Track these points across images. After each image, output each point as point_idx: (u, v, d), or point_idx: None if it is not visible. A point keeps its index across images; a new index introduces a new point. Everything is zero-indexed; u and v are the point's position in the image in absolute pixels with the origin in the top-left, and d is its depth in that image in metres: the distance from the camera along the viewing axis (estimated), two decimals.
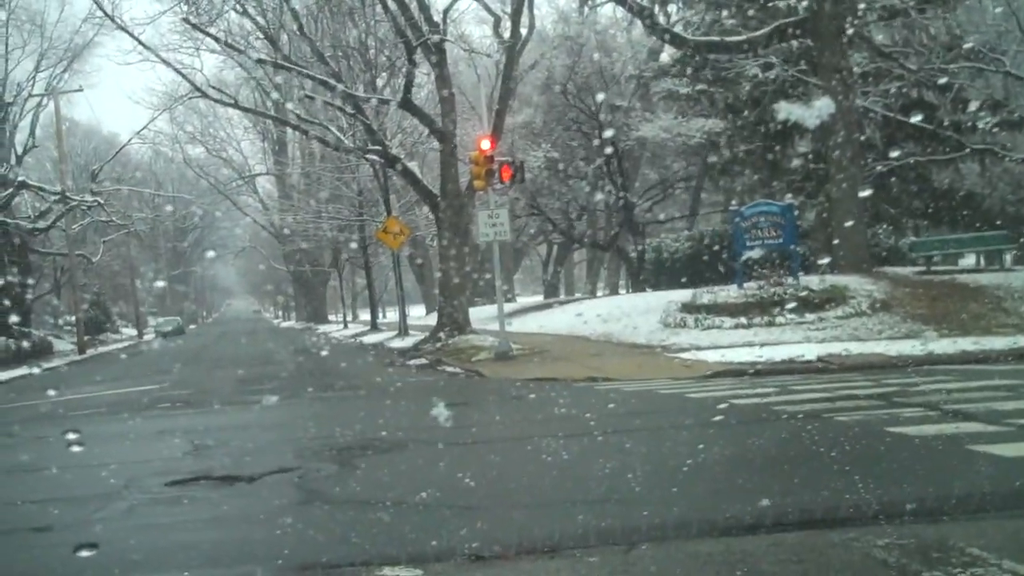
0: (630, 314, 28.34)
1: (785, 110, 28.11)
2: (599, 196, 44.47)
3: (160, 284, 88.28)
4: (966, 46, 31.36)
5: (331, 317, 79.61)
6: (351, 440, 11.85)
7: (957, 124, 32.59)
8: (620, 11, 42.32)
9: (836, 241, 27.56)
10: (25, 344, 43.74)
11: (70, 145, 56.86)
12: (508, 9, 32.70)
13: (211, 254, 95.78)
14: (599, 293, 58.29)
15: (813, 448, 9.35)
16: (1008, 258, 31.99)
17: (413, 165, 34.35)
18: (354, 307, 79.87)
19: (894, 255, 31.99)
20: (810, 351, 18.52)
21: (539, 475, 8.91)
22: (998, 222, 32.34)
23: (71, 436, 13.54)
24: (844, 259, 26.89)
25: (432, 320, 35.94)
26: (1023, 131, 32.29)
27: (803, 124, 32.00)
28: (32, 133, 51.30)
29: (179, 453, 11.89)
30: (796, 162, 34.26)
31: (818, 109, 26.90)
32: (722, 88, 35.57)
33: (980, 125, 31.65)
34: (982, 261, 32.38)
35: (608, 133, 39.72)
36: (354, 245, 51.97)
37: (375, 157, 35.28)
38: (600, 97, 39.93)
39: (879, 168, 31.31)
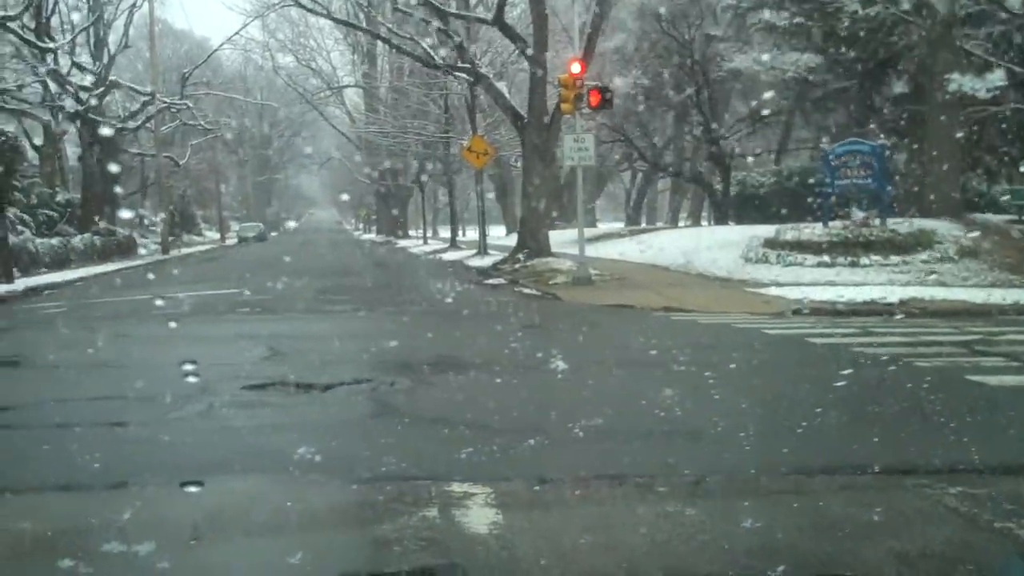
0: (711, 246, 28.12)
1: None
2: (687, 127, 43.96)
3: (245, 189, 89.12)
4: None
5: (412, 232, 79.92)
6: (424, 356, 11.95)
7: None
8: None
9: (927, 185, 27.03)
10: (111, 241, 44.58)
11: (162, 48, 57.29)
12: None
13: (303, 156, 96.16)
14: (681, 224, 57.83)
15: (890, 392, 9.27)
16: None
17: (502, 85, 34.11)
18: (435, 224, 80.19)
19: (987, 203, 31.28)
20: (893, 294, 18.24)
21: (608, 403, 8.91)
22: None
23: (150, 335, 13.79)
24: (935, 203, 26.39)
25: (512, 241, 35.94)
26: None
27: (900, 64, 31.35)
28: (126, 33, 51.45)
29: (256, 358, 12.07)
30: (891, 103, 33.54)
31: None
32: (821, 22, 34.79)
33: None
34: None
35: (700, 63, 39.14)
36: (439, 163, 52.02)
37: (464, 75, 35.13)
38: (695, 26, 39.30)
39: (976, 112, 30.53)
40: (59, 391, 10.27)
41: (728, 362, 11.10)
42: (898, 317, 15.90)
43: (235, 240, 77.44)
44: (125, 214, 51.64)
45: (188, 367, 9.84)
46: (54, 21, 47.35)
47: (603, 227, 56.21)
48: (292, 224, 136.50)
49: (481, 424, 8.10)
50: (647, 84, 42.34)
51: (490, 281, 26.87)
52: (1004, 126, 32.30)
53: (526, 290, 23.67)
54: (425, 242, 61.51)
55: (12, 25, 40.11)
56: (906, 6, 30.58)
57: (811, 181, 32.45)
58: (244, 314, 18.57)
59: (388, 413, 8.73)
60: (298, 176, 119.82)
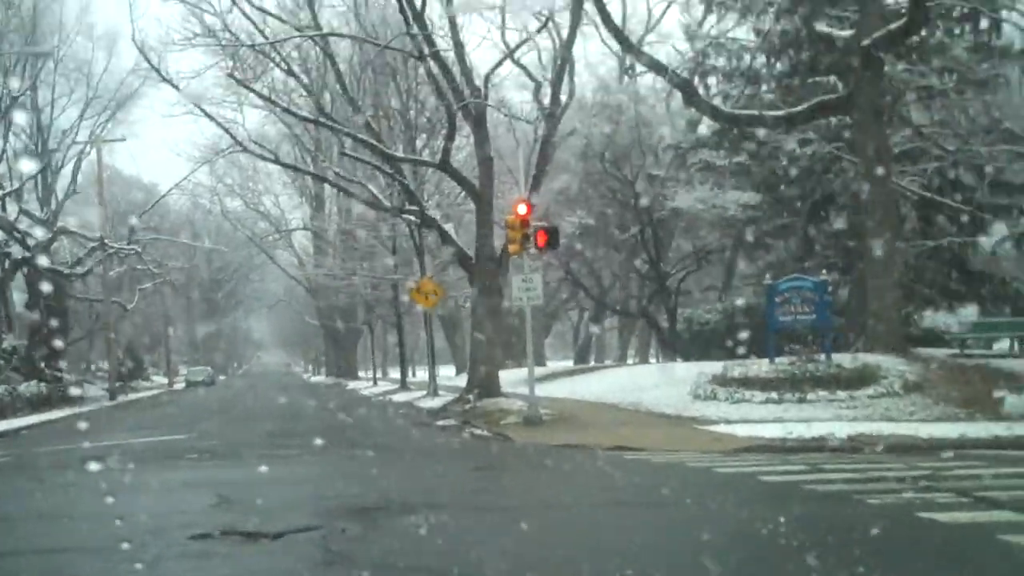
0: (660, 383, 28.26)
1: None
2: (632, 264, 44.50)
3: (193, 334, 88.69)
4: (1004, 128, 31.47)
5: (361, 373, 79.67)
6: (376, 500, 11.85)
7: (994, 206, 32.53)
8: (660, 82, 42.51)
9: (869, 320, 27.43)
10: (58, 388, 44.00)
11: (111, 193, 57.43)
12: (549, 76, 33.05)
13: (251, 299, 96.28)
14: (629, 361, 58.14)
15: (841, 531, 9.28)
16: None
17: (449, 227, 34.57)
18: (384, 364, 79.96)
19: (928, 336, 31.74)
20: (841, 430, 18.35)
21: (562, 546, 8.88)
22: None
23: (97, 484, 13.57)
24: (877, 338, 26.70)
25: (462, 380, 35.98)
26: None
27: (839, 200, 32.14)
28: (74, 179, 51.94)
29: (204, 505, 11.89)
30: (830, 239, 34.26)
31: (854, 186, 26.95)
32: (759, 162, 35.68)
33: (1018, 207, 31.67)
34: (1016, 346, 32.05)
35: (644, 202, 39.88)
36: (387, 304, 52.23)
37: (411, 217, 35.54)
38: (637, 166, 40.19)
39: (914, 247, 31.22)
40: (3, 543, 10.09)
41: (682, 502, 11.08)
42: (846, 454, 15.99)
43: (183, 385, 76.76)
44: (71, 361, 51.13)
45: (137, 516, 9.69)
46: (1, 167, 47.58)
47: (552, 365, 56.35)
48: (240, 368, 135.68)
49: (434, 570, 8.01)
50: (592, 223, 42.99)
51: (441, 422, 26.80)
52: (942, 259, 33.07)
53: (477, 431, 23.59)
54: (375, 383, 61.25)
55: None
56: (841, 143, 31.57)
57: (755, 317, 32.86)
58: (192, 460, 18.37)
59: (340, 562, 8.60)
60: (247, 319, 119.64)
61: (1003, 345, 33.47)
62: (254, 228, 72.38)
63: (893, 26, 26.78)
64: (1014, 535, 8.58)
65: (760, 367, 24.63)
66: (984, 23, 32.65)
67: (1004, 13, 30.99)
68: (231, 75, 32.47)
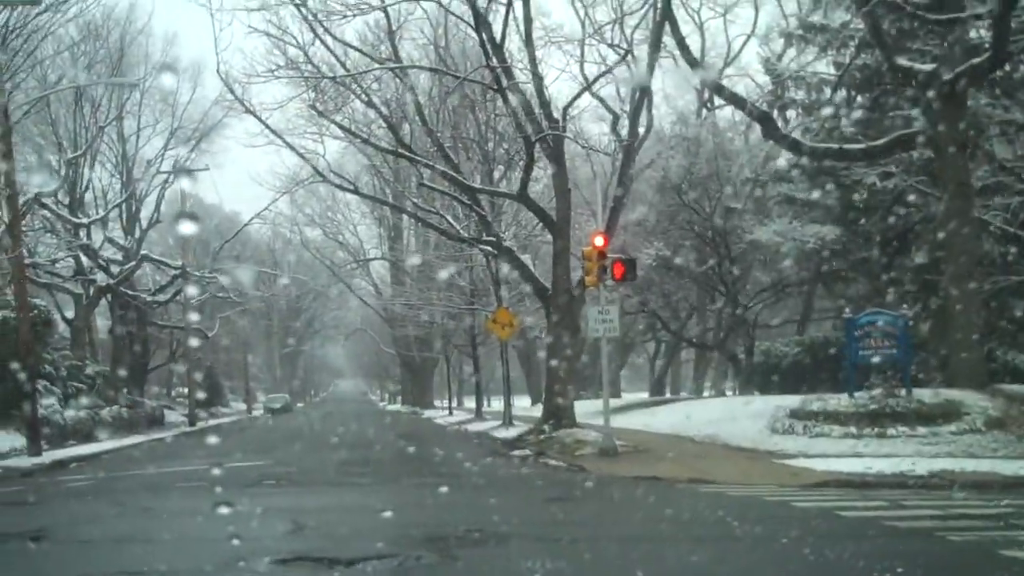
0: (737, 417, 28.08)
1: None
2: (709, 296, 44.27)
3: (271, 361, 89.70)
4: None
5: (437, 403, 79.96)
6: (451, 530, 11.88)
7: None
8: (739, 114, 42.48)
9: (951, 355, 27.05)
10: (138, 413, 44.83)
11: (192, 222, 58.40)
12: (627, 108, 33.12)
13: (329, 327, 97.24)
14: (706, 394, 57.75)
15: (923, 568, 9.18)
16: None
17: (526, 258, 34.72)
18: (460, 394, 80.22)
19: (1011, 372, 31.19)
20: (922, 465, 18.15)
21: None
22: None
23: (176, 509, 13.80)
24: (958, 374, 26.31)
25: (537, 411, 35.99)
26: None
27: (919, 234, 31.78)
28: (157, 208, 52.93)
29: (282, 532, 12.04)
30: (910, 273, 33.86)
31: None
32: (839, 195, 35.43)
33: None
34: None
35: (721, 235, 39.76)
36: (463, 334, 52.49)
37: (488, 248, 35.73)
38: (715, 199, 40.13)
39: (996, 282, 30.74)
40: (84, 567, 10.30)
41: (760, 536, 11.02)
42: (927, 490, 15.78)
43: (262, 411, 77.67)
44: (152, 386, 52.13)
45: (213, 542, 9.84)
46: (87, 196, 48.74)
47: (628, 397, 56.18)
48: (318, 395, 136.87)
49: None
50: (669, 255, 42.89)
51: (516, 452, 26.81)
52: None
53: (552, 461, 23.58)
54: (450, 413, 61.45)
55: (47, 200, 41.25)
56: (923, 176, 31.24)
57: (833, 351, 32.53)
58: (270, 487, 18.60)
59: None
60: (324, 347, 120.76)
61: None
62: (333, 257, 73.14)
63: (976, 60, 26.52)
64: None
65: (839, 401, 24.41)
66: None
67: None
68: (312, 106, 33.00)
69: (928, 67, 28.21)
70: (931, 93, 27.51)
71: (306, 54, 31.60)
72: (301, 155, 36.25)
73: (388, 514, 13.81)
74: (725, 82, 41.75)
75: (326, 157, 38.44)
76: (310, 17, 30.23)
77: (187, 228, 44.85)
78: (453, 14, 32.36)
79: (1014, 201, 31.84)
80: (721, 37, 65.86)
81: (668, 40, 31.32)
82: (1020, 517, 12.27)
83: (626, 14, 31.56)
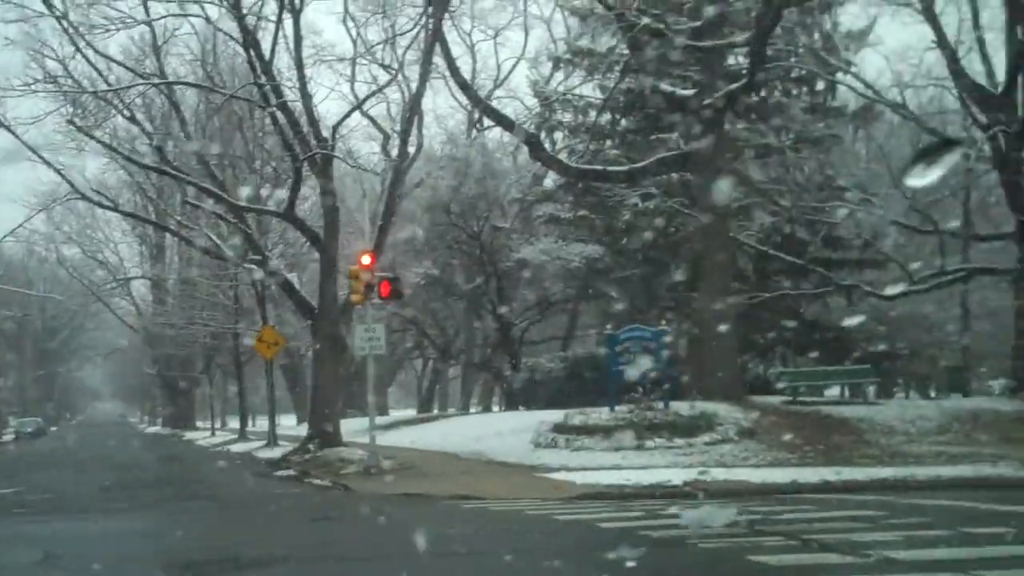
0: (502, 432, 28.34)
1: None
2: (477, 314, 44.65)
3: (24, 384, 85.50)
4: (836, 185, 32.84)
5: (199, 424, 77.78)
6: (210, 554, 11.57)
7: (826, 260, 33.82)
8: (507, 135, 43.08)
9: (707, 368, 28.06)
10: None
11: None
12: (397, 128, 33.12)
13: (86, 348, 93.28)
14: (473, 410, 58.12)
15: None
16: (871, 391, 32.80)
17: (292, 276, 34.13)
18: (223, 414, 78.19)
19: (762, 384, 32.63)
20: (677, 476, 18.68)
21: None
22: (858, 354, 33.23)
23: None
24: (714, 386, 27.32)
25: (303, 430, 35.47)
26: (887, 269, 33.61)
27: (678, 253, 32.93)
28: None
29: (28, 562, 11.45)
30: (670, 290, 35.06)
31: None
32: (602, 215, 36.38)
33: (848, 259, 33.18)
34: (846, 393, 33.21)
35: (488, 254, 40.15)
36: (227, 353, 51.28)
37: (254, 267, 35.03)
38: (483, 218, 40.49)
39: (751, 299, 32.12)
40: None
41: (517, 549, 11.10)
42: (681, 499, 16.25)
43: (13, 436, 73.83)
44: None
45: None
46: None
47: (396, 414, 56.06)
48: (74, 419, 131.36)
49: None
50: (438, 274, 43.03)
51: (280, 473, 26.40)
52: (778, 310, 34.13)
53: (316, 481, 23.30)
54: (213, 434, 59.80)
55: None
56: (682, 197, 32.42)
57: (596, 367, 33.28)
58: (20, 515, 17.73)
59: None
60: (81, 368, 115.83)
61: (834, 392, 34.69)
62: (91, 276, 70.17)
63: (733, 86, 27.71)
64: None
65: (600, 415, 24.95)
66: (820, 85, 34.26)
67: (839, 75, 32.39)
68: (71, 122, 31.54)
69: (689, 92, 29.34)
70: (690, 117, 28.61)
71: (66, 68, 30.29)
72: (58, 171, 34.47)
73: (147, 540, 13.36)
74: (495, 104, 42.35)
75: (86, 174, 37.00)
76: (71, 30, 29.07)
77: None
78: (221, 31, 31.78)
79: (767, 221, 33.41)
80: (492, 60, 66.35)
81: (439, 61, 31.53)
82: (766, 523, 12.74)
83: (398, 34, 31.77)
